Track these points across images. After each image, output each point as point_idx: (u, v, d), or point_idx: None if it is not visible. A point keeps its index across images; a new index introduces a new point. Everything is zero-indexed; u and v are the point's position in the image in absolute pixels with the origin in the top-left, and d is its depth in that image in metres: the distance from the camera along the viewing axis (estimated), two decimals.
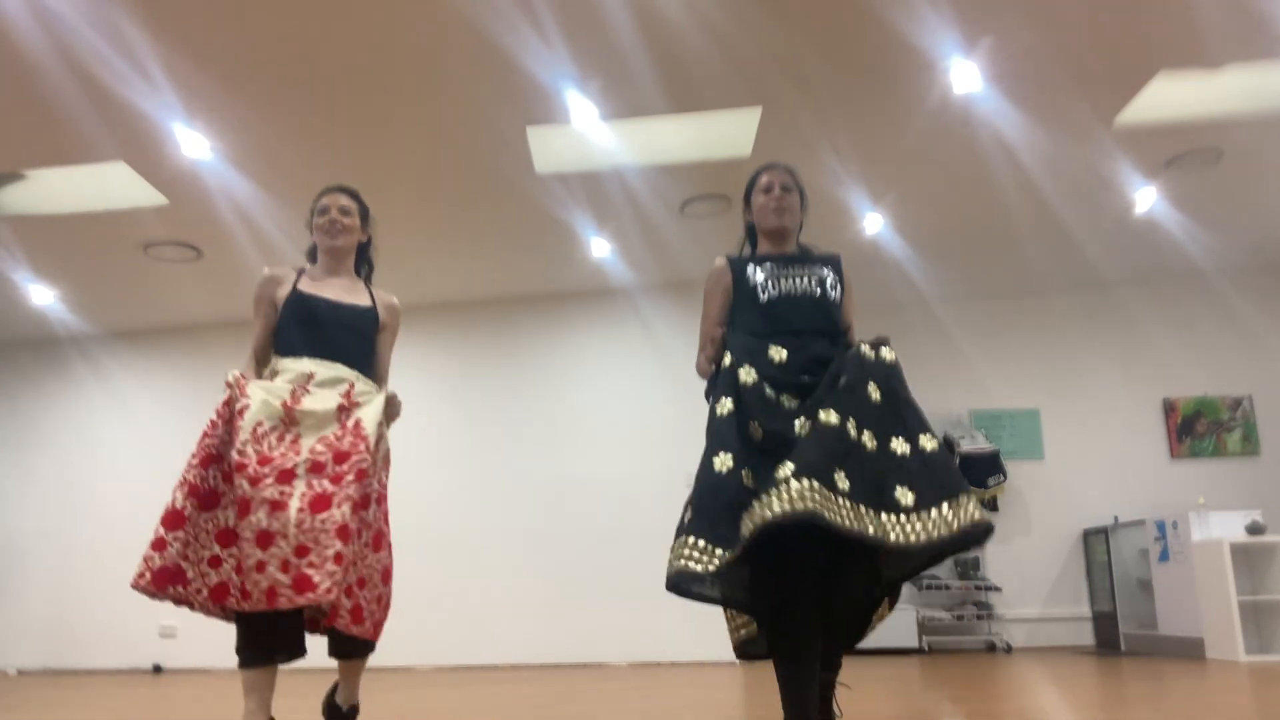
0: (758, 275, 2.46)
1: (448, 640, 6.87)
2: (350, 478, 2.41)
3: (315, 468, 2.41)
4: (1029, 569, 7.44)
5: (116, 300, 7.27)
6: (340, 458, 2.44)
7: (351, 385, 2.61)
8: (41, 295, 7.05)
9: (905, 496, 2.10)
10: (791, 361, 2.34)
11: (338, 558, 2.29)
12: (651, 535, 6.95)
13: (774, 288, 2.42)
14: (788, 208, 2.54)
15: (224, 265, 6.57)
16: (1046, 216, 6.28)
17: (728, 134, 5.16)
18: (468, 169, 5.35)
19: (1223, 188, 5.97)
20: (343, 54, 4.26)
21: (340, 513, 2.34)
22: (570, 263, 6.87)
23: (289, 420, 2.48)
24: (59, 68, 4.20)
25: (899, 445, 2.19)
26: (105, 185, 5.42)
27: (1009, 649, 7.08)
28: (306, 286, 2.74)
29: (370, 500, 2.53)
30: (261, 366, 2.71)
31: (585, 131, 5.02)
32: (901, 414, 2.24)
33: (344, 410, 2.55)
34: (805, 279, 2.44)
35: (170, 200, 5.56)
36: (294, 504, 2.33)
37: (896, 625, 6.92)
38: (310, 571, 2.27)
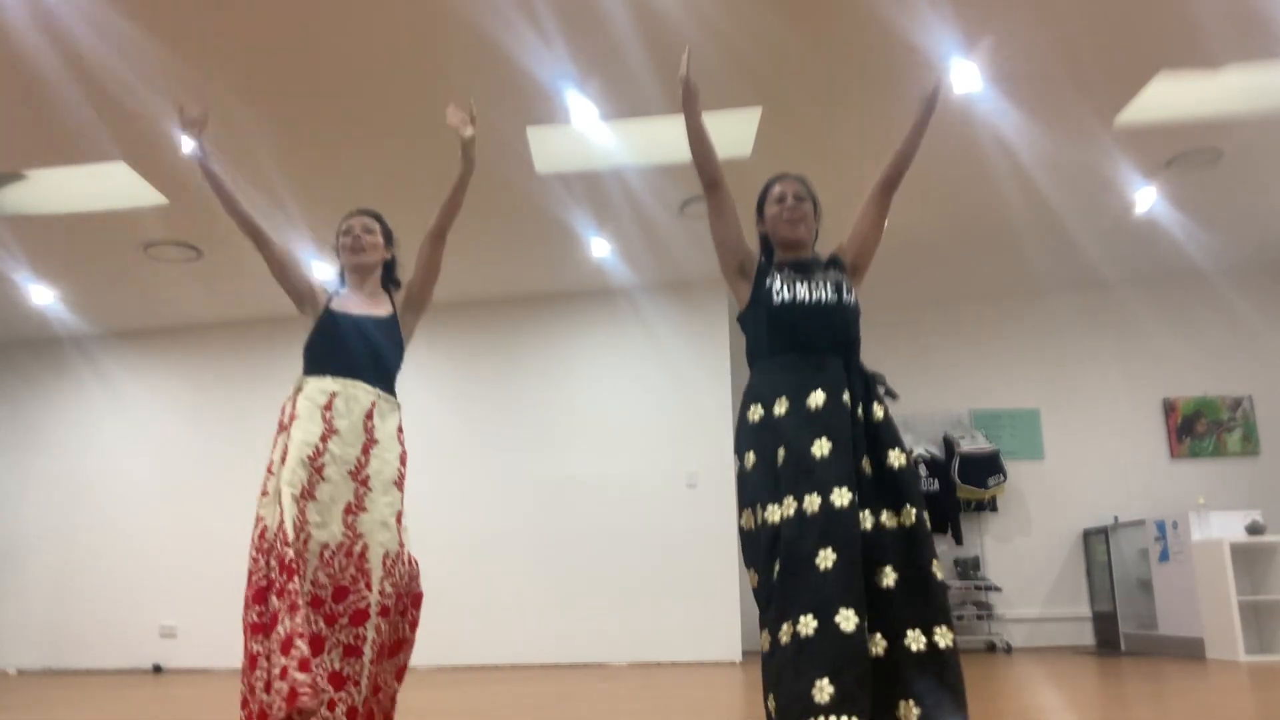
0: (774, 282, 2.42)
1: (448, 640, 6.86)
2: (344, 620, 2.55)
3: (314, 602, 2.52)
4: (1029, 569, 7.44)
5: (116, 300, 7.27)
6: (339, 595, 2.56)
7: (373, 404, 2.76)
8: (41, 295, 7.05)
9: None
10: (795, 404, 2.28)
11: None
12: (652, 535, 6.97)
13: (788, 291, 2.39)
14: (802, 217, 2.51)
15: (224, 265, 6.57)
16: (1046, 216, 6.28)
17: (728, 134, 5.16)
18: None
19: (1223, 188, 5.97)
20: (342, 54, 4.26)
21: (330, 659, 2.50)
22: (570, 263, 6.87)
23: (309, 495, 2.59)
24: (59, 68, 4.20)
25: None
26: (105, 185, 5.41)
27: (1009, 649, 7.08)
28: (337, 304, 2.88)
29: (366, 634, 2.60)
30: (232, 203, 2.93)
31: (585, 131, 5.01)
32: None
33: (369, 432, 2.74)
34: (823, 286, 2.40)
35: (170, 200, 5.55)
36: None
37: None
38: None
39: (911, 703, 2.06)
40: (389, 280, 3.09)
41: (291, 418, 2.67)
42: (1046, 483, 7.59)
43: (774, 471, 2.22)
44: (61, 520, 7.70)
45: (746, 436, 2.33)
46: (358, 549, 2.62)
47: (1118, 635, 6.84)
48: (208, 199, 5.51)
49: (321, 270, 6.67)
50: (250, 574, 2.49)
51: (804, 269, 2.46)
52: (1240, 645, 5.58)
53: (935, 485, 7.30)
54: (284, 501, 2.51)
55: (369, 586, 2.59)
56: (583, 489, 7.10)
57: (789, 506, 2.15)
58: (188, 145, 2.85)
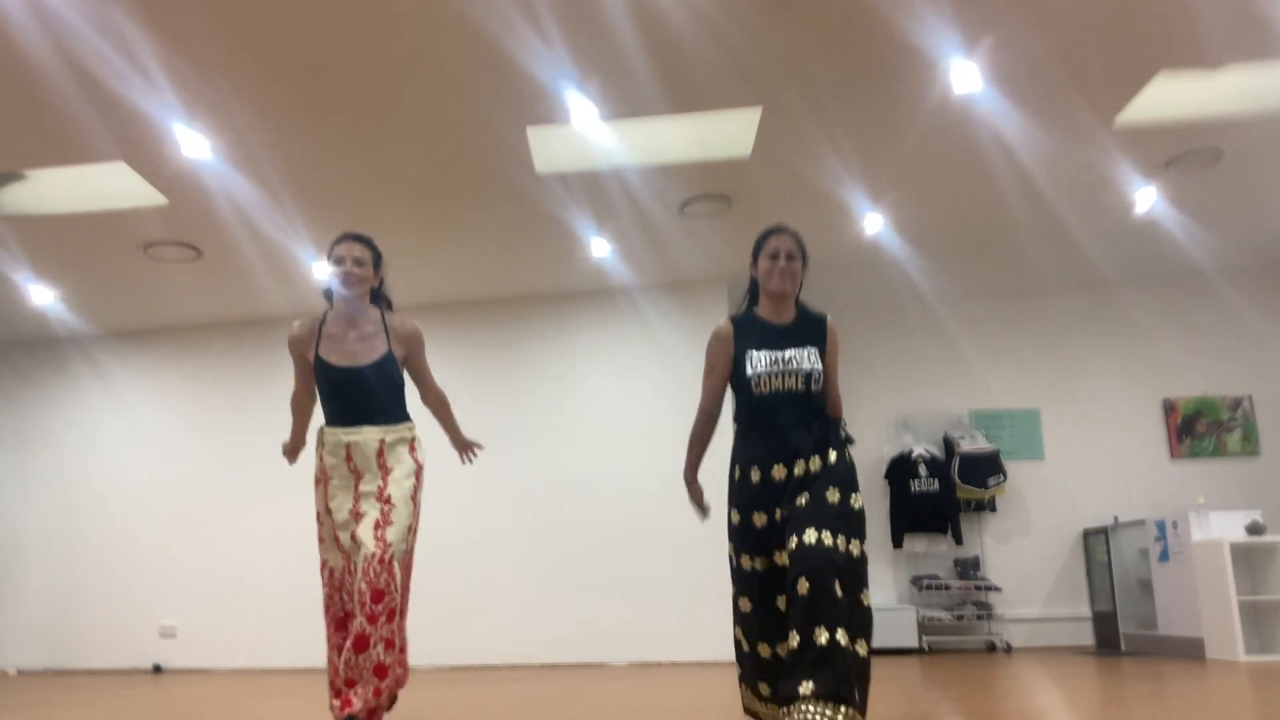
0: (756, 367, 2.79)
1: (448, 640, 6.87)
2: (383, 619, 2.94)
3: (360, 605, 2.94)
4: (1029, 569, 7.44)
5: (116, 300, 7.27)
6: (376, 597, 2.94)
7: (382, 442, 3.09)
8: (41, 295, 7.05)
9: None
10: (765, 477, 2.78)
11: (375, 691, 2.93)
12: (651, 535, 6.97)
13: (766, 386, 2.77)
14: (791, 274, 2.83)
15: (224, 265, 6.58)
16: (1046, 216, 6.28)
17: (728, 134, 5.16)
18: (468, 169, 5.35)
19: (1223, 188, 5.97)
20: (343, 54, 4.26)
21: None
22: (570, 263, 6.87)
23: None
24: (59, 68, 4.20)
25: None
26: (105, 185, 5.41)
27: (1009, 649, 7.08)
28: (328, 354, 3.09)
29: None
30: (301, 411, 3.35)
31: (585, 131, 5.01)
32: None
33: (381, 460, 3.12)
34: (794, 377, 2.77)
35: (170, 200, 5.56)
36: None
37: (896, 625, 6.93)
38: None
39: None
40: (378, 299, 3.23)
41: (325, 475, 3.11)
42: (1046, 483, 7.59)
43: (748, 528, 2.79)
44: (61, 520, 7.71)
45: (733, 492, 2.88)
46: (388, 556, 2.96)
47: (1118, 635, 6.84)
48: (208, 199, 5.54)
49: (321, 270, 6.68)
50: (328, 607, 3.12)
51: (779, 338, 2.82)
52: (1240, 645, 5.58)
53: (935, 485, 7.30)
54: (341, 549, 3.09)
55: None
56: (582, 489, 7.10)
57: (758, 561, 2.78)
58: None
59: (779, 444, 2.75)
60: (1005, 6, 4.05)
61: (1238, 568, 5.78)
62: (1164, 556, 6.44)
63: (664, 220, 6.14)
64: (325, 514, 3.12)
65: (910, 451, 7.39)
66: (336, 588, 3.10)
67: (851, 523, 2.62)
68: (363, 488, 3.06)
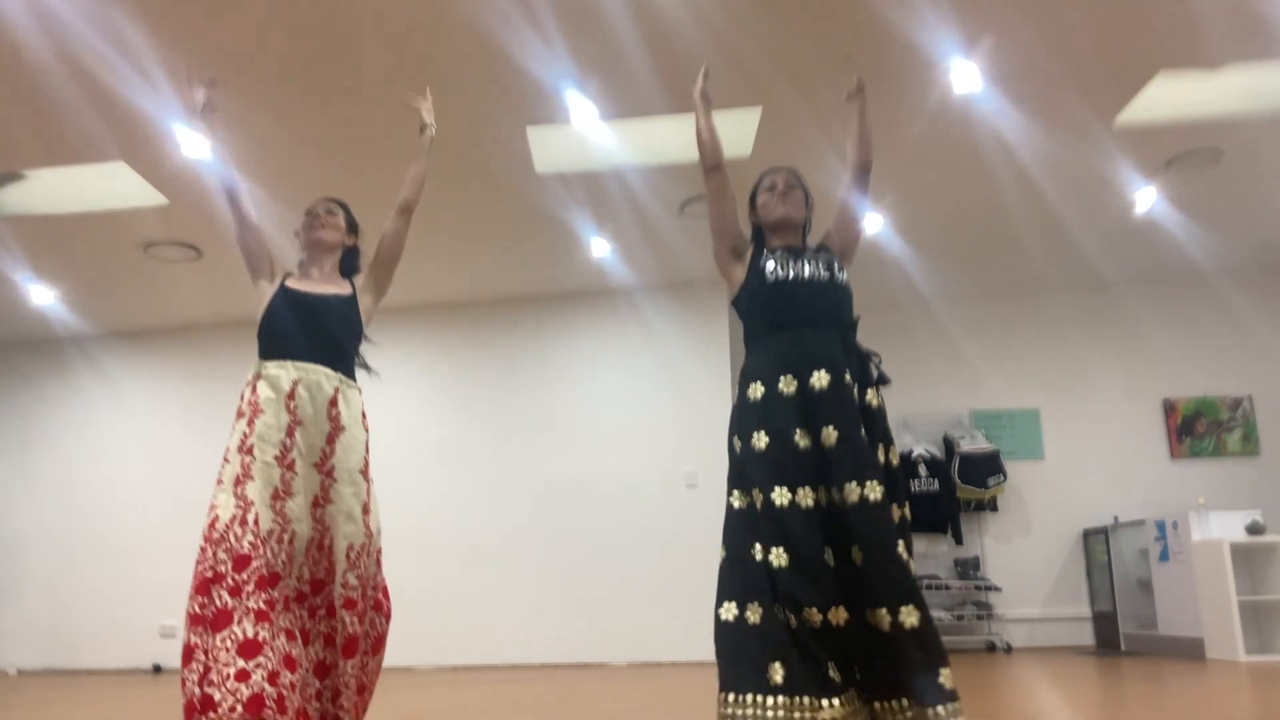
0: (768, 262, 2.51)
1: (448, 640, 6.87)
2: (323, 612, 2.57)
3: (299, 597, 2.53)
4: (1029, 569, 7.44)
5: (116, 300, 7.27)
6: (316, 587, 2.57)
7: (337, 390, 2.67)
8: (41, 295, 7.05)
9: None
10: (800, 388, 2.37)
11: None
12: (651, 535, 6.97)
13: (782, 270, 2.46)
14: (792, 199, 2.62)
15: (224, 265, 6.57)
16: (1046, 216, 6.27)
17: (728, 134, 5.10)
18: (468, 169, 5.35)
19: (1223, 188, 5.97)
20: (343, 54, 4.26)
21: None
22: (570, 263, 6.86)
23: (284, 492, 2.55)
24: (59, 68, 4.20)
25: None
26: (105, 185, 5.41)
27: (1009, 649, 7.08)
28: (294, 283, 2.83)
29: (336, 626, 2.59)
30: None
31: (585, 131, 5.01)
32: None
33: (334, 412, 2.66)
34: (816, 265, 2.49)
35: (170, 200, 5.55)
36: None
37: None
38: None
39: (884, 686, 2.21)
40: (350, 269, 3.03)
41: (254, 408, 2.58)
42: (1046, 483, 7.59)
43: (785, 454, 2.29)
44: (61, 520, 7.70)
45: (751, 415, 2.38)
46: (326, 542, 2.58)
47: (1118, 635, 6.84)
48: (208, 199, 5.53)
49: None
50: (197, 563, 2.40)
51: (795, 252, 2.54)
52: (1240, 645, 5.58)
53: (935, 485, 7.29)
54: (257, 501, 2.47)
55: (331, 579, 2.57)
56: (582, 489, 7.10)
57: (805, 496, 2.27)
58: (195, 99, 2.89)
59: (811, 347, 2.37)
60: (1005, 6, 4.05)
61: (1238, 568, 5.78)
62: (1164, 556, 6.44)
63: (664, 220, 6.14)
64: (240, 451, 2.56)
65: (910, 451, 7.39)
66: (215, 542, 2.41)
67: (906, 530, 2.35)
68: (300, 437, 2.57)
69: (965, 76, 4.56)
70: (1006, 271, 7.42)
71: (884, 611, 2.17)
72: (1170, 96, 4.82)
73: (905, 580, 2.20)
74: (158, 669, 7.17)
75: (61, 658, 7.43)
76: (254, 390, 2.63)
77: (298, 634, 2.47)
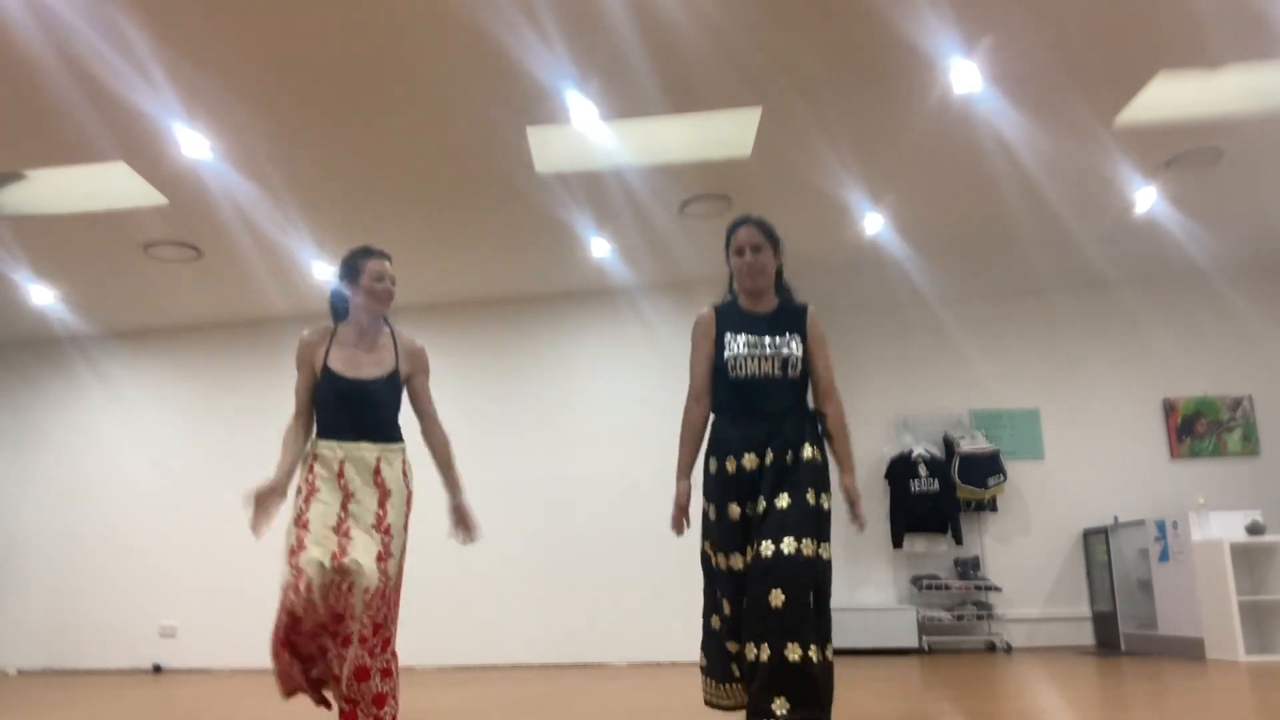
0: (734, 349, 2.77)
1: (448, 640, 6.87)
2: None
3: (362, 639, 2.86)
4: (1029, 569, 7.44)
5: (116, 300, 7.27)
6: (375, 630, 2.91)
7: (379, 459, 3.02)
8: (41, 295, 7.05)
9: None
10: (743, 463, 2.74)
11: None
12: (651, 535, 6.96)
13: (743, 370, 2.75)
14: (760, 269, 2.80)
15: (224, 265, 6.57)
16: (1046, 216, 6.28)
17: (728, 134, 5.16)
18: (468, 169, 5.35)
19: (1223, 188, 5.97)
20: (343, 54, 4.26)
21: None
22: (570, 263, 6.87)
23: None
24: (59, 68, 4.20)
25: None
26: (105, 185, 5.41)
27: (1009, 649, 7.08)
28: (337, 362, 3.02)
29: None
30: (295, 442, 3.04)
31: (585, 131, 5.01)
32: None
33: (379, 479, 3.04)
34: (771, 362, 2.74)
35: (170, 200, 5.56)
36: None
37: (896, 625, 6.93)
38: None
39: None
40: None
41: (311, 489, 2.94)
42: (1046, 483, 7.59)
43: (725, 524, 2.73)
44: (61, 520, 7.70)
45: (707, 485, 2.88)
46: (388, 590, 2.97)
47: (1118, 635, 6.84)
48: (208, 199, 5.54)
49: (321, 270, 6.68)
50: (295, 623, 2.80)
51: (759, 329, 2.79)
52: (1240, 645, 5.58)
53: (935, 485, 7.30)
54: (310, 569, 2.77)
55: (352, 618, 2.83)
56: (582, 488, 7.10)
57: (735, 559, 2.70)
58: (257, 526, 2.97)
59: (752, 431, 2.72)
60: (1005, 6, 4.05)
61: (1238, 568, 5.78)
62: (1164, 556, 6.44)
63: (664, 220, 6.14)
64: (298, 526, 2.87)
65: (910, 451, 7.39)
66: (308, 600, 2.73)
67: (824, 526, 2.61)
68: (352, 508, 2.93)
69: (965, 76, 4.56)
70: (1006, 271, 7.42)
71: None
72: (1170, 96, 4.83)
73: (794, 519, 2.57)
74: (158, 669, 7.17)
75: (61, 658, 7.43)
76: (312, 472, 2.98)
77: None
